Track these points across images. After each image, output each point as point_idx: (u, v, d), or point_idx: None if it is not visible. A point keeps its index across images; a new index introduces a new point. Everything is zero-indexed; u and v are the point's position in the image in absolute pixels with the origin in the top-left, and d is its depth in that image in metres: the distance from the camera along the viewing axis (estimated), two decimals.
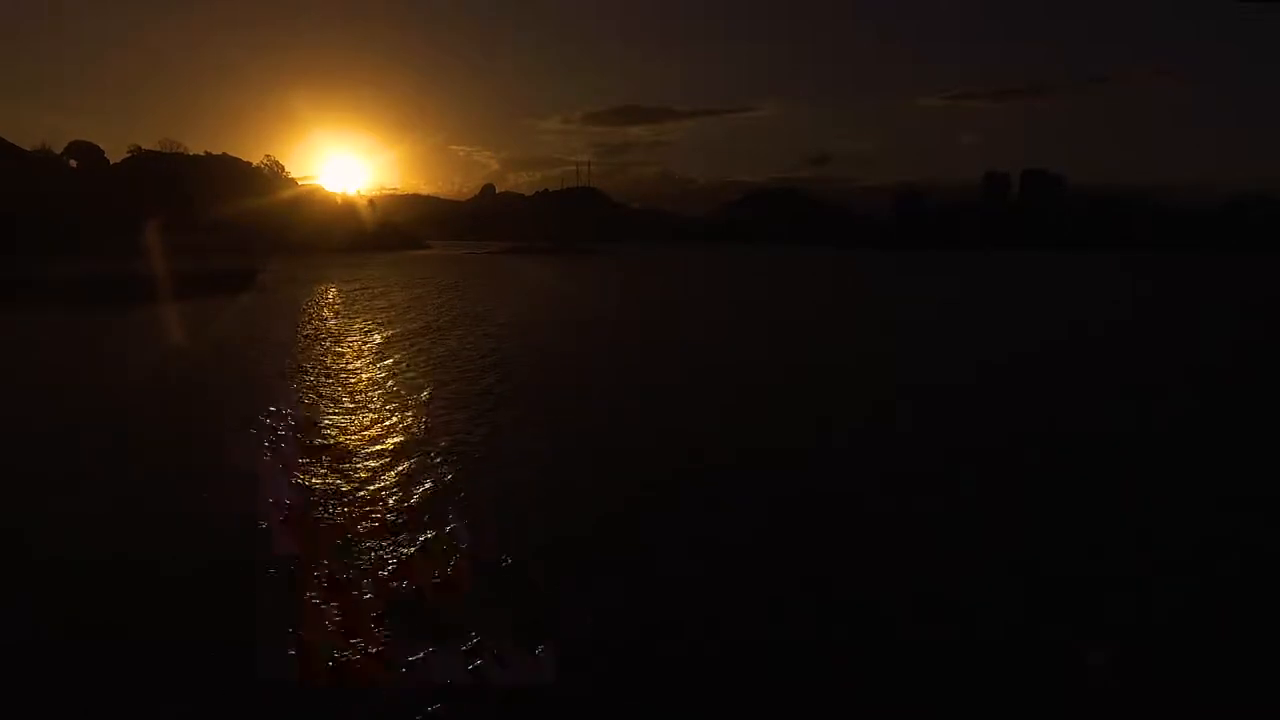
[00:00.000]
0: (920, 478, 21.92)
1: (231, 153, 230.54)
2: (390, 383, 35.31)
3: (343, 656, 12.37)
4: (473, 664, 12.17)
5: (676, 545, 17.17)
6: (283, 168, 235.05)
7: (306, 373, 37.75)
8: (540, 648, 12.58)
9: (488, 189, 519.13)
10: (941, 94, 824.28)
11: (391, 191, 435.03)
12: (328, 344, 47.96)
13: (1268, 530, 18.47)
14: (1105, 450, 24.91)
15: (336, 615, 13.63)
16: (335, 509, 18.78)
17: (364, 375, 37.33)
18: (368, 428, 26.75)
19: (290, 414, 28.22)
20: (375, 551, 16.30)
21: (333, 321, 61.55)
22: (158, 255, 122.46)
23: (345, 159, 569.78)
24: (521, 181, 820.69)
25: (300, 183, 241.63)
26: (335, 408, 29.86)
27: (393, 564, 15.74)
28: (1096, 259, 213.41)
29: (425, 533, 17.27)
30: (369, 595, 14.35)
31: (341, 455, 23.20)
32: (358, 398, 31.89)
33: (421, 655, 12.34)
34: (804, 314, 75.33)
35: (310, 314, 66.40)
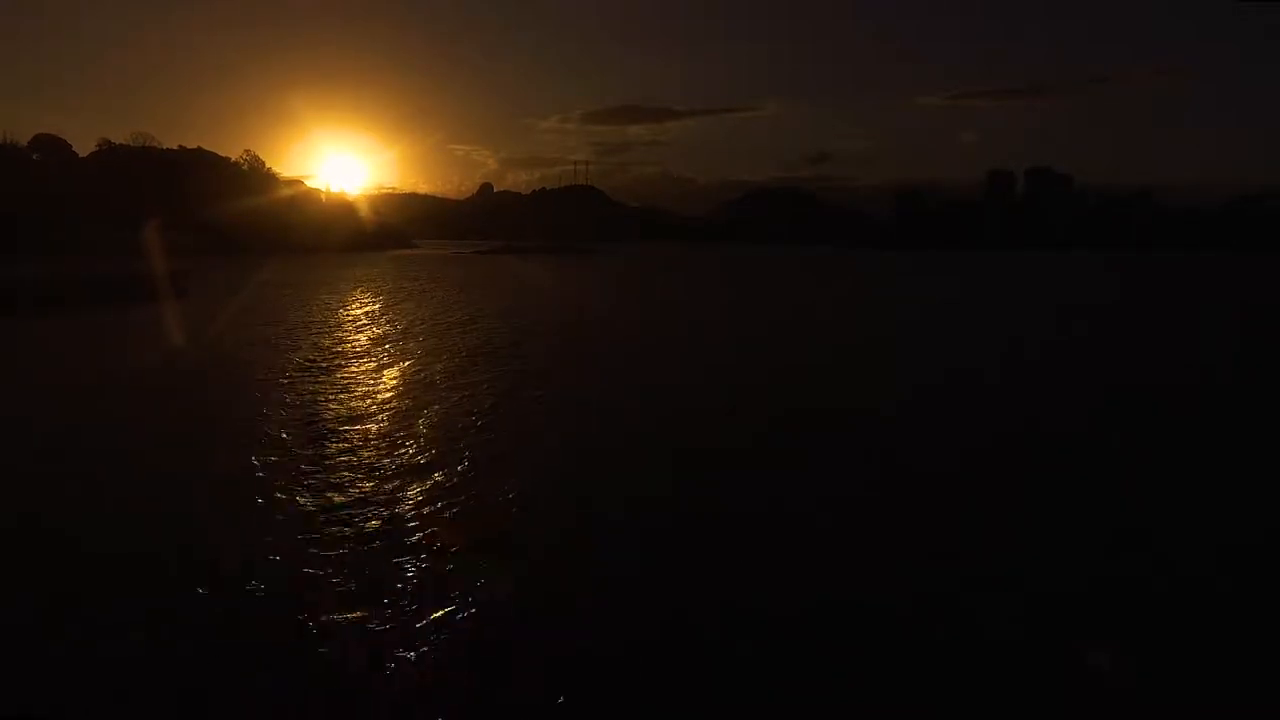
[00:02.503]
0: (919, 477, 21.36)
1: (220, 151, 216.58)
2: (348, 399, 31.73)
3: (341, 654, 12.13)
4: (473, 663, 12.07)
5: (675, 543, 16.75)
6: (263, 163, 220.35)
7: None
8: (539, 646, 12.51)
9: (486, 188, 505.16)
10: (941, 93, 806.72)
11: (390, 190, 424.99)
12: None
13: (1269, 530, 17.98)
14: (1105, 450, 24.36)
15: (335, 614, 13.28)
16: (330, 510, 18.22)
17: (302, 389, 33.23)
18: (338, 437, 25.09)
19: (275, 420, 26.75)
20: (374, 550, 16.03)
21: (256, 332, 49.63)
22: (96, 256, 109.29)
23: (343, 159, 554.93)
24: (520, 181, 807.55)
25: (283, 179, 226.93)
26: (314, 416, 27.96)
27: (390, 562, 15.44)
28: (1100, 259, 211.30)
29: (424, 532, 16.92)
30: (367, 594, 14.08)
31: (328, 459, 22.34)
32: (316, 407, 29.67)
33: (420, 652, 12.21)
34: (803, 314, 71.86)
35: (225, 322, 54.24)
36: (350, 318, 61.28)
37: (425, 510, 18.33)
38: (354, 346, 45.49)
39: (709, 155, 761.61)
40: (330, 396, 31.53)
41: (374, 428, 26.23)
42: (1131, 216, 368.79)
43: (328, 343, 46.63)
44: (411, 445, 23.98)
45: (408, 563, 15.42)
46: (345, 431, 25.70)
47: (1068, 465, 22.63)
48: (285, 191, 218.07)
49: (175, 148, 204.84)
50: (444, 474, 21.09)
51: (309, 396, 31.53)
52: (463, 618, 13.23)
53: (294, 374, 36.40)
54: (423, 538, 16.63)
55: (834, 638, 12.84)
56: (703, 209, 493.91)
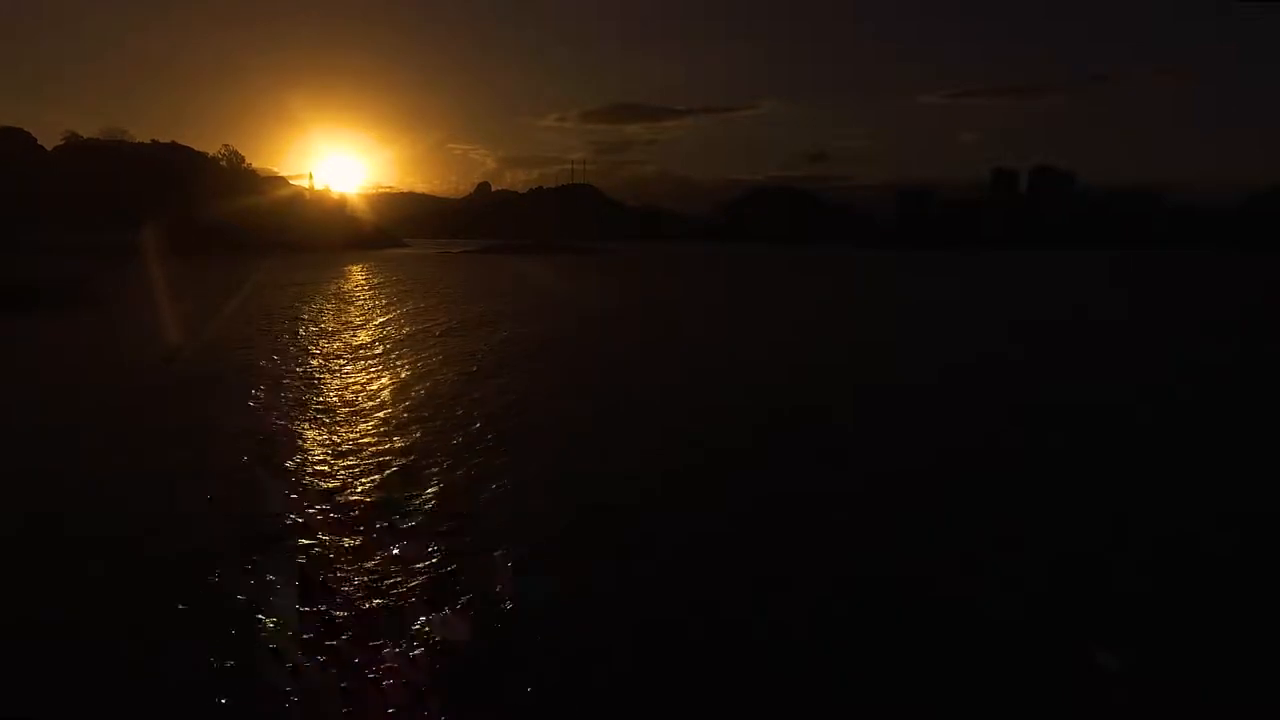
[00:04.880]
0: (920, 478, 20.55)
1: (207, 148, 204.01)
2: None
3: (341, 652, 11.73)
4: (472, 660, 11.64)
5: (675, 542, 16.23)
6: (243, 159, 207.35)
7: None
8: (537, 643, 12.14)
9: (483, 187, 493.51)
10: (941, 92, 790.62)
11: (388, 190, 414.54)
12: None
13: (1272, 531, 17.36)
14: (1109, 452, 23.47)
15: (334, 612, 12.83)
16: (337, 509, 17.69)
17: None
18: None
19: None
20: (374, 548, 15.43)
21: None
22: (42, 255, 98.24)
23: (341, 158, 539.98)
24: (518, 179, 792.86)
25: (264, 176, 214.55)
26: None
27: (390, 561, 14.88)
28: (1105, 257, 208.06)
29: (423, 532, 16.32)
30: (367, 592, 13.61)
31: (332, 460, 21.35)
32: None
33: (419, 651, 11.81)
34: (801, 315, 67.69)
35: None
36: (269, 338, 49.16)
37: (431, 500, 18.12)
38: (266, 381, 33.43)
39: (708, 154, 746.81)
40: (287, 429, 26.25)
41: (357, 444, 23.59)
42: (1135, 215, 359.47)
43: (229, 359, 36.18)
44: (410, 435, 23.89)
45: (411, 556, 14.90)
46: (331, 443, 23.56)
47: (1067, 465, 22.16)
48: (266, 189, 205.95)
49: (148, 142, 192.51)
50: (451, 464, 20.97)
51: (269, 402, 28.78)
52: (469, 606, 12.97)
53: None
54: (428, 528, 16.39)
55: (834, 636, 12.49)
56: (702, 208, 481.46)
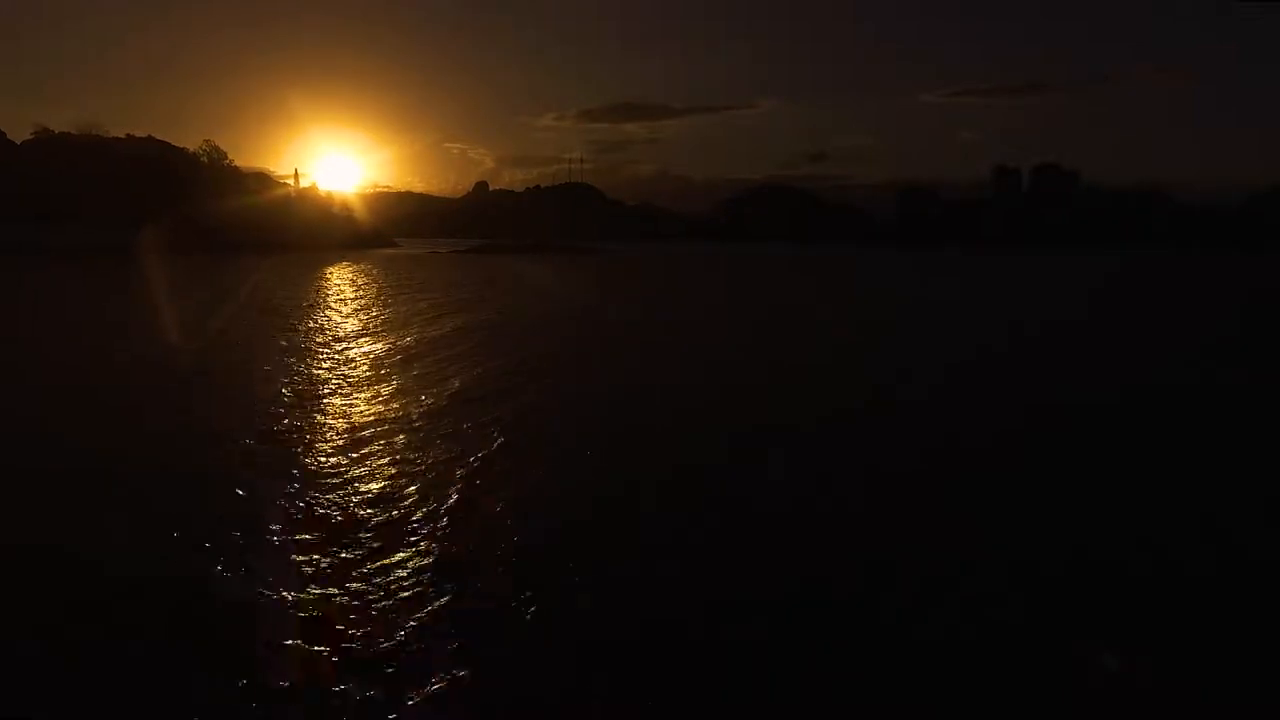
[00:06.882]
0: (920, 478, 20.17)
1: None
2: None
3: (340, 652, 11.44)
4: (471, 659, 11.36)
5: (674, 542, 15.82)
6: (224, 155, 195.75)
7: None
8: (535, 644, 11.93)
9: (481, 186, 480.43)
10: (941, 91, 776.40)
11: (385, 189, 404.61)
12: None
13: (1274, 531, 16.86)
14: (1109, 453, 22.87)
15: (334, 611, 12.47)
16: (332, 507, 17.13)
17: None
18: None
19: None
20: (376, 549, 14.84)
21: None
22: None
23: (337, 157, 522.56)
24: (516, 179, 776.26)
25: (246, 173, 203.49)
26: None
27: (391, 561, 14.40)
28: (1110, 257, 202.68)
29: (425, 532, 15.79)
30: (368, 591, 13.22)
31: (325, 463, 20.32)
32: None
33: (419, 651, 11.45)
34: (801, 315, 66.53)
35: None
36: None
37: (436, 500, 17.44)
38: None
39: (707, 153, 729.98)
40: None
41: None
42: (1136, 215, 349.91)
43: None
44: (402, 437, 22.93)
45: (412, 557, 14.47)
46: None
47: (1067, 466, 21.48)
48: (250, 187, 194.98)
49: (123, 136, 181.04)
50: (446, 465, 20.09)
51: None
52: (464, 613, 12.58)
53: None
54: (430, 527, 15.89)
55: (834, 636, 12.23)
56: (701, 207, 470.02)
